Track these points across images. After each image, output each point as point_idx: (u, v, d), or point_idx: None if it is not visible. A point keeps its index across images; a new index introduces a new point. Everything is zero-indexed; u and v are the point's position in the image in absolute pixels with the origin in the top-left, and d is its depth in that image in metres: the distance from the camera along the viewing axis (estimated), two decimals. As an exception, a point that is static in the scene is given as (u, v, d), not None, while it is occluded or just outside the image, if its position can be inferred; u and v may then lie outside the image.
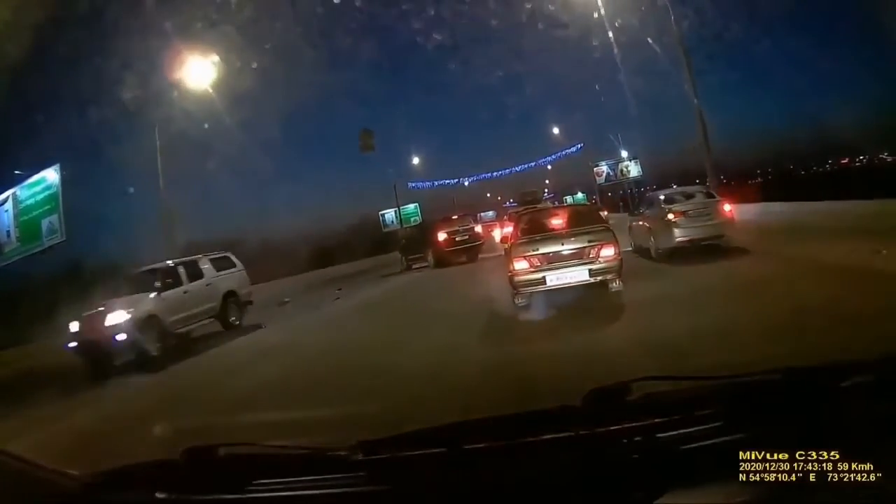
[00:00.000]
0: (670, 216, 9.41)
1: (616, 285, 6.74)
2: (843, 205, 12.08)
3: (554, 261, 6.73)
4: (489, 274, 11.53)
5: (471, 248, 18.37)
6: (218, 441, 1.46)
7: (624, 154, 35.90)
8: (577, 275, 6.69)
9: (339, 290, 15.98)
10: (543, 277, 6.73)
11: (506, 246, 7.76)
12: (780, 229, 11.31)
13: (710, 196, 10.09)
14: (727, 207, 9.61)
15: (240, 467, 1.43)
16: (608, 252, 6.68)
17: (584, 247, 6.72)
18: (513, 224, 8.71)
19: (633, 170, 35.72)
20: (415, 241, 20.56)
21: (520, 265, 6.83)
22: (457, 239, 18.27)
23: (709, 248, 9.03)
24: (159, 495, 1.41)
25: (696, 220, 9.30)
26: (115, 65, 18.33)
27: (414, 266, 19.67)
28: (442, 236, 18.27)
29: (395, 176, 36.19)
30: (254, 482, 1.37)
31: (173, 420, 4.56)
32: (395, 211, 35.06)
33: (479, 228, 19.83)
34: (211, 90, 18.06)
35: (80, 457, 3.74)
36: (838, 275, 6.10)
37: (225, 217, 48.74)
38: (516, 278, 6.87)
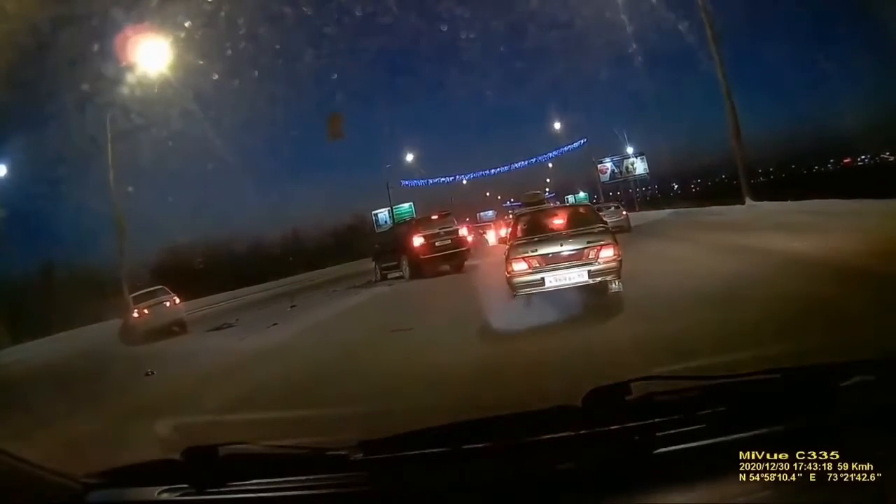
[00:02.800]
0: None
1: (615, 286, 6.75)
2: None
3: (553, 262, 6.78)
4: (477, 290, 9.52)
5: (454, 256, 15.26)
6: (218, 441, 1.46)
7: (629, 150, 34.93)
8: (576, 276, 6.72)
9: (293, 307, 13.94)
10: (542, 279, 6.79)
11: (505, 246, 7.76)
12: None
13: (617, 207, 19.58)
14: (624, 212, 19.20)
15: (240, 467, 1.43)
16: (608, 253, 6.72)
17: (584, 248, 6.78)
18: (511, 226, 8.74)
19: (640, 167, 34.05)
20: (390, 246, 17.09)
21: (518, 266, 6.91)
22: (436, 244, 15.14)
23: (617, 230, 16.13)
24: (160, 495, 1.41)
25: (609, 217, 16.75)
26: (64, 52, 16.67)
27: (389, 276, 16.68)
28: (418, 241, 15.11)
29: (391, 173, 35.50)
30: (254, 482, 1.37)
31: (173, 420, 4.56)
32: (389, 210, 34.72)
33: (464, 231, 16.87)
34: (195, 85, 17.21)
35: (79, 457, 3.74)
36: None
37: (210, 219, 48.49)
38: (514, 279, 6.95)
